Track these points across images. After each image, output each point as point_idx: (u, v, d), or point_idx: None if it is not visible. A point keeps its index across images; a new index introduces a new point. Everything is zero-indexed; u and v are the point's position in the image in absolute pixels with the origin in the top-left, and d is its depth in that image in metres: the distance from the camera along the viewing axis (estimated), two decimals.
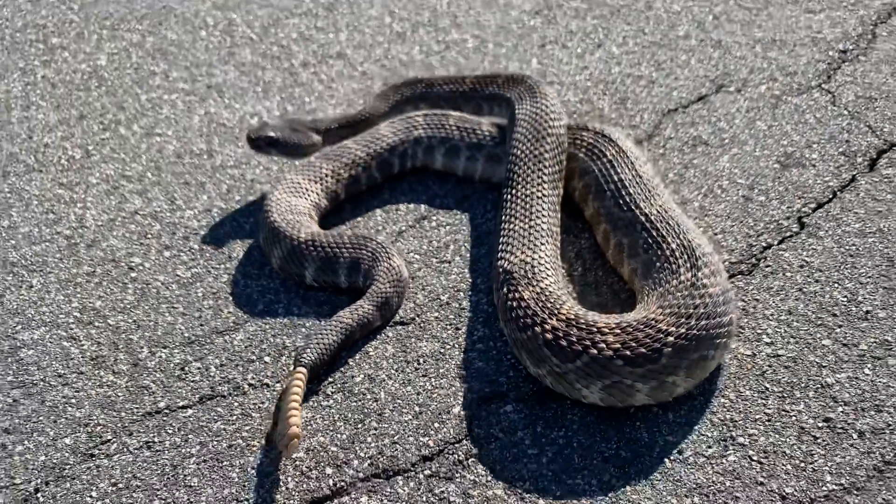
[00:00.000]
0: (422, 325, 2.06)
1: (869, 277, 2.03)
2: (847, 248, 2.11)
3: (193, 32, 3.37)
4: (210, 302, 2.17)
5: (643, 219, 2.02)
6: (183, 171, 2.64)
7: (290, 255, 2.17)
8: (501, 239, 2.03)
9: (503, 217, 2.10)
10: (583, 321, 1.75)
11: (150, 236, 2.40)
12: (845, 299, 1.98)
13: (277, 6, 3.49)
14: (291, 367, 1.91)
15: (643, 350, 1.68)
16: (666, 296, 1.80)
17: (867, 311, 1.94)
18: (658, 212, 2.02)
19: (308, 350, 1.88)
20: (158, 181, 2.61)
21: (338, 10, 3.41)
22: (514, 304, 1.84)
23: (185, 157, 2.70)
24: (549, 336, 1.74)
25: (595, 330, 1.72)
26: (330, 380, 1.94)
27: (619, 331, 1.71)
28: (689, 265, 1.85)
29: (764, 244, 2.15)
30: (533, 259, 1.93)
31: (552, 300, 1.81)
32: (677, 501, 1.62)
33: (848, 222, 2.18)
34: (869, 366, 1.83)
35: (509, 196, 2.13)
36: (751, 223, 2.21)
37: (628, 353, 1.68)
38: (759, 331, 1.93)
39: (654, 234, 1.97)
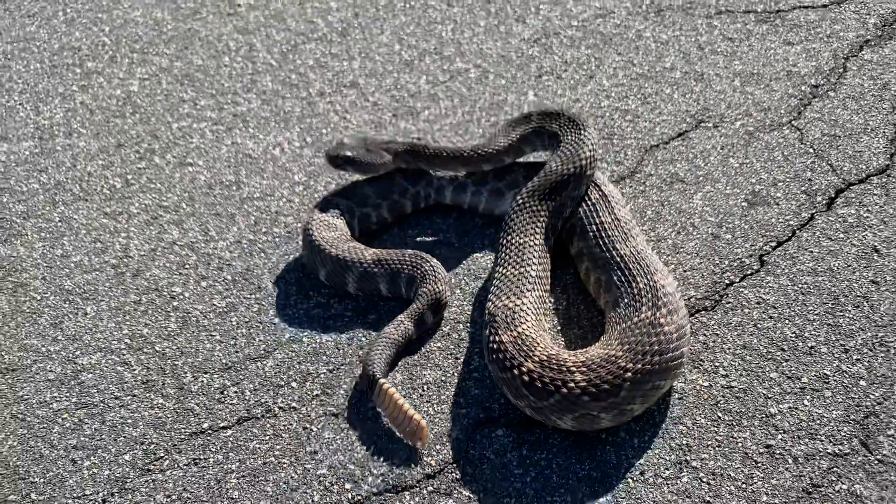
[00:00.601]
0: (426, 354, 2.38)
1: (816, 315, 2.32)
2: (800, 286, 2.40)
3: (217, 58, 3.64)
4: (243, 330, 2.50)
5: (618, 259, 2.31)
6: (214, 202, 2.95)
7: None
8: (493, 283, 2.35)
9: (496, 261, 2.41)
10: (554, 362, 2.06)
11: (188, 266, 2.72)
12: (794, 335, 2.28)
13: (294, 30, 3.75)
14: (371, 387, 2.22)
15: (606, 386, 2.00)
16: (627, 332, 2.11)
17: (811, 347, 2.25)
18: (631, 253, 2.31)
19: (376, 366, 2.24)
20: (193, 212, 2.92)
21: (351, 36, 3.67)
22: (495, 346, 2.16)
23: (216, 187, 3.00)
24: (525, 378, 2.06)
25: (565, 370, 2.04)
26: (346, 405, 2.27)
27: (585, 369, 2.03)
28: (650, 304, 2.15)
29: (727, 281, 2.44)
30: (515, 305, 2.24)
31: (528, 343, 2.13)
32: None
33: (803, 261, 2.47)
34: (808, 397, 2.14)
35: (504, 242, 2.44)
36: (717, 261, 2.50)
37: (594, 389, 2.00)
38: (716, 363, 2.24)
39: (626, 273, 2.27)
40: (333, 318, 2.51)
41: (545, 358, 2.09)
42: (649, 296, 2.17)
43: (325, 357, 2.40)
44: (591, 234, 2.44)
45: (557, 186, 2.47)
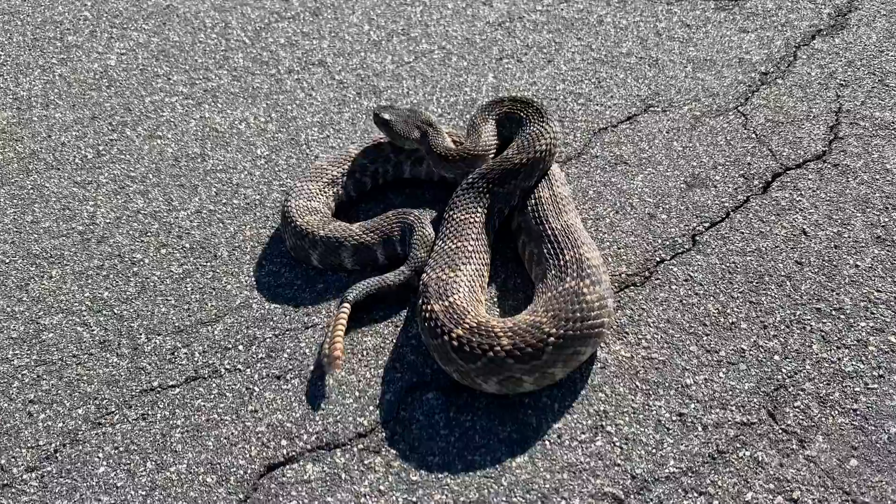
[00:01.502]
0: (370, 321, 2.50)
1: (740, 292, 2.43)
2: (727, 265, 2.51)
3: (193, 34, 3.75)
4: (197, 296, 2.62)
5: (549, 232, 2.42)
6: (179, 173, 3.07)
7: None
8: (431, 255, 2.46)
9: (437, 236, 2.53)
10: (483, 328, 2.18)
11: (149, 234, 2.84)
12: (716, 311, 2.39)
13: (269, 9, 3.85)
14: (337, 306, 2.42)
15: (529, 350, 2.11)
16: (552, 300, 2.22)
17: (732, 322, 2.36)
18: (562, 227, 2.42)
19: (352, 292, 2.43)
20: (158, 182, 3.04)
21: (322, 16, 3.77)
22: (427, 314, 2.28)
23: (182, 160, 3.12)
24: (455, 343, 2.18)
25: (493, 335, 2.16)
26: (290, 367, 2.39)
27: (511, 334, 2.15)
28: (575, 275, 2.26)
29: (658, 259, 2.55)
30: (449, 277, 2.36)
31: (459, 312, 2.24)
32: (550, 476, 2.07)
33: (733, 241, 2.57)
34: (724, 370, 2.25)
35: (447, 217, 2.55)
36: (650, 239, 2.61)
37: (518, 353, 2.12)
38: (639, 336, 2.35)
39: (555, 245, 2.38)
40: (283, 286, 2.63)
41: (474, 325, 2.20)
42: (574, 267, 2.28)
43: (272, 322, 2.52)
44: (528, 208, 2.55)
45: (509, 174, 2.56)
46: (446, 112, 3.17)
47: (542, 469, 2.09)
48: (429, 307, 2.29)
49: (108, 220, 2.91)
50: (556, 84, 3.24)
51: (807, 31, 3.29)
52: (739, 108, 3.02)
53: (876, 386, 2.17)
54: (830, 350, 2.26)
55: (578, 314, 2.16)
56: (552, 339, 2.12)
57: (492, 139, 2.71)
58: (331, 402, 2.29)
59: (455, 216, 2.54)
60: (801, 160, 2.79)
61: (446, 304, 2.28)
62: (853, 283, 2.41)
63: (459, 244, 2.45)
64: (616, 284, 2.49)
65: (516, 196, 2.60)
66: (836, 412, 2.12)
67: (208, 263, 2.73)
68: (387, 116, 2.78)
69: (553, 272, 2.32)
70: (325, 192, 2.78)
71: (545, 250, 2.40)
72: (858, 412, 2.12)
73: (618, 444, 2.12)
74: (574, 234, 2.40)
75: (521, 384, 2.17)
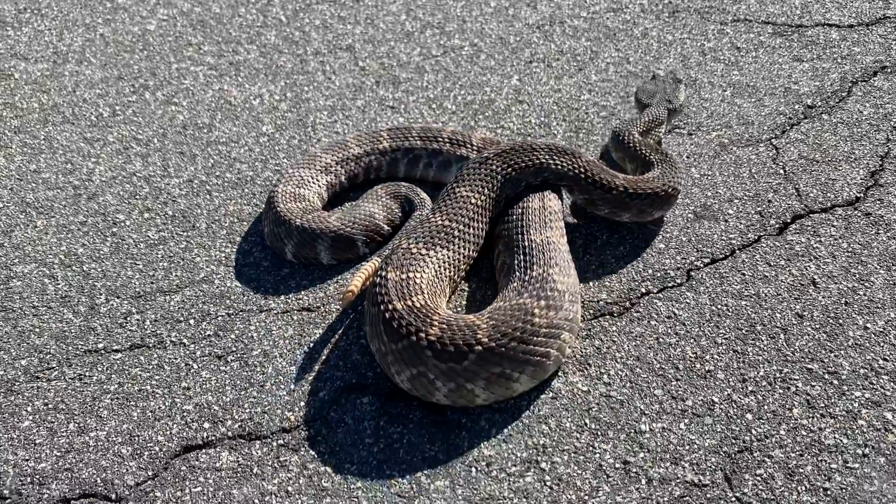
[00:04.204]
0: (324, 314, 2.37)
1: (725, 339, 2.18)
2: (718, 307, 2.26)
3: (234, 7, 3.73)
4: (165, 264, 2.56)
5: (526, 245, 2.23)
6: (183, 140, 3.03)
7: None
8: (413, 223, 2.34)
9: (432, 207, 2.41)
10: (423, 310, 2.02)
11: (138, 197, 2.81)
12: (693, 355, 2.15)
13: None
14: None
15: (452, 349, 1.93)
16: (500, 310, 2.03)
17: (708, 370, 2.11)
18: (541, 242, 2.23)
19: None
20: (160, 147, 3.01)
21: (363, 2, 3.68)
22: (379, 282, 2.15)
23: (190, 128, 3.08)
24: (387, 315, 2.04)
25: (428, 320, 1.99)
26: (234, 349, 2.29)
27: (444, 325, 1.97)
28: (534, 293, 2.07)
29: (643, 290, 2.32)
30: (420, 252, 2.21)
31: (410, 288, 2.10)
32: None
33: (731, 282, 2.32)
34: (686, 421, 2.01)
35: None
36: (640, 268, 2.38)
37: (439, 347, 1.94)
38: (602, 370, 2.14)
39: (527, 259, 2.19)
40: (249, 265, 2.53)
41: (418, 305, 2.05)
42: (537, 285, 2.09)
43: (228, 301, 2.43)
44: (514, 216, 2.37)
45: (524, 165, 2.42)
46: (459, 110, 3.02)
47: (459, 497, 1.91)
48: (384, 274, 2.15)
49: (103, 179, 2.89)
50: (581, 93, 3.04)
51: (870, 66, 2.98)
52: (773, 140, 2.74)
53: (857, 466, 1.89)
54: (813, 417, 1.98)
55: (519, 334, 1.97)
56: (480, 347, 1.93)
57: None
58: (264, 391, 2.18)
59: (458, 191, 2.37)
60: (829, 204, 2.50)
61: (403, 276, 2.13)
62: (857, 347, 2.13)
63: (449, 223, 2.29)
64: (591, 311, 2.28)
65: (518, 188, 2.44)
66: (804, 488, 1.85)
67: (185, 233, 2.67)
68: (642, 99, 2.71)
69: (515, 284, 2.14)
70: (317, 181, 2.67)
71: (516, 262, 2.22)
72: (829, 493, 1.84)
73: (549, 483, 1.92)
74: (550, 251, 2.20)
75: (435, 389, 1.99)
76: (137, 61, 3.46)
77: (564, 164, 2.39)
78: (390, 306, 2.07)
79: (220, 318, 2.38)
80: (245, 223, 2.67)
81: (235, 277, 2.50)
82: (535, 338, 1.98)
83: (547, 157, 2.40)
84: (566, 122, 2.90)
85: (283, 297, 2.42)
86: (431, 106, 3.06)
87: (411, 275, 2.15)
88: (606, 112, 2.94)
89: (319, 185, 2.66)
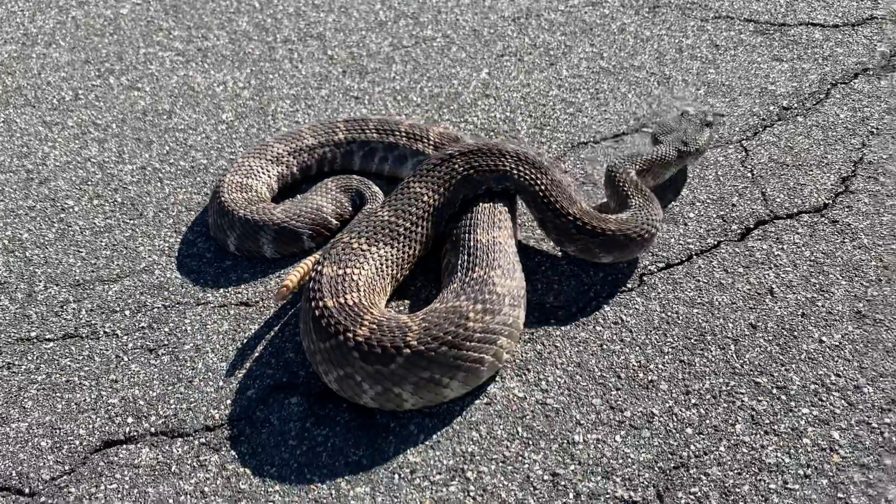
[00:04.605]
0: (262, 309, 2.30)
1: (672, 348, 2.08)
2: (668, 314, 2.15)
3: None
4: (108, 252, 2.50)
5: (472, 244, 2.14)
6: (141, 127, 2.96)
7: None
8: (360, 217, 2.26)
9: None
10: (355, 308, 1.93)
11: (89, 183, 2.75)
12: (637, 364, 2.05)
13: None
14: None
15: (379, 351, 1.85)
16: (434, 312, 1.95)
17: (651, 381, 2.01)
18: (487, 242, 2.13)
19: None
20: (119, 133, 2.94)
21: None
22: (315, 276, 2.07)
23: (149, 114, 3.01)
24: (317, 313, 1.96)
25: (358, 319, 1.91)
26: (166, 342, 2.22)
27: (375, 326, 1.89)
28: (470, 296, 1.97)
29: (592, 294, 2.22)
30: (361, 248, 2.13)
31: (346, 284, 2.03)
32: None
33: (684, 288, 2.21)
34: (623, 433, 1.91)
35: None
36: (592, 272, 2.28)
37: (367, 349, 1.86)
38: (541, 376, 2.05)
39: (470, 260, 2.10)
40: (192, 256, 2.46)
41: (352, 302, 1.96)
42: (476, 288, 2.00)
43: (166, 292, 2.36)
44: (463, 216, 2.28)
45: (487, 169, 2.31)
46: (424, 103, 2.93)
47: None
48: (320, 269, 2.06)
49: (57, 164, 2.83)
50: (550, 88, 2.93)
51: (851, 68, 2.85)
52: (743, 142, 2.63)
53: (797, 487, 1.78)
54: (756, 434, 1.88)
55: (451, 338, 1.88)
56: (408, 350, 1.85)
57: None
58: (192, 387, 2.11)
59: (412, 187, 2.28)
60: (795, 210, 2.39)
61: (339, 272, 2.05)
62: (809, 361, 2.02)
63: (396, 220, 2.21)
64: (535, 315, 2.18)
65: (478, 190, 2.33)
66: None
67: (131, 221, 2.60)
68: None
69: (455, 285, 2.05)
70: (266, 171, 2.59)
71: (460, 261, 2.13)
72: None
73: (472, 493, 1.83)
74: (495, 253, 2.11)
75: (362, 392, 1.91)
76: (106, 45, 3.40)
77: (528, 176, 2.27)
78: (321, 303, 1.99)
79: (155, 309, 2.31)
80: (193, 213, 2.60)
81: (176, 268, 2.43)
82: (468, 343, 1.89)
83: (513, 164, 2.28)
84: (531, 118, 2.80)
85: (221, 291, 2.34)
86: (396, 98, 2.97)
87: (348, 271, 2.07)
88: (574, 108, 2.84)
89: (269, 176, 2.58)
